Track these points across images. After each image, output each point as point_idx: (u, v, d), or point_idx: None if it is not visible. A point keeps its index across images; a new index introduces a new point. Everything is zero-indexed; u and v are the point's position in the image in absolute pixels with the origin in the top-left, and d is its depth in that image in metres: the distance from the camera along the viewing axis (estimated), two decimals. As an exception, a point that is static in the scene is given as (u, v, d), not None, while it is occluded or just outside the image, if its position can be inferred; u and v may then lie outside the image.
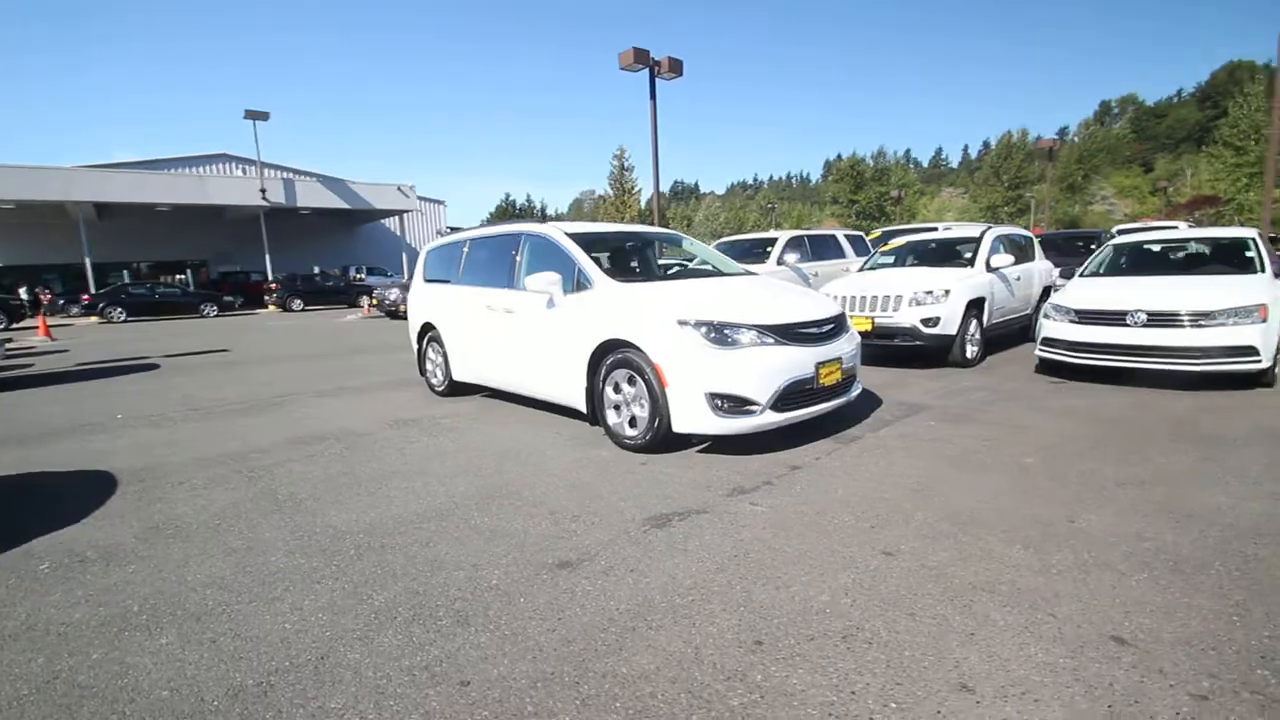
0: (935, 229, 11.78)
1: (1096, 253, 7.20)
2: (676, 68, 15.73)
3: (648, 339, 4.15)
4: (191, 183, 25.78)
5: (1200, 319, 5.26)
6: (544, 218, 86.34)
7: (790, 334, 4.13)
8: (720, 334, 3.99)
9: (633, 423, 4.36)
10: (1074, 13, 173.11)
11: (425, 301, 6.79)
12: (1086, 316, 5.84)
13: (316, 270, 27.26)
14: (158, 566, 2.91)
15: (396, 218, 30.57)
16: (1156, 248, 7.09)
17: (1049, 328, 6.16)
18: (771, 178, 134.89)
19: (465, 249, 6.29)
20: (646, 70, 15.53)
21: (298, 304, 24.99)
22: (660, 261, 6.50)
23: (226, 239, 30.55)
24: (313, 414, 6.06)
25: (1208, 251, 6.77)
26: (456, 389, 6.51)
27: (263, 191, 25.57)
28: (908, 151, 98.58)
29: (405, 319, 7.77)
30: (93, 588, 2.73)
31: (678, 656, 2.10)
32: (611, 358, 4.42)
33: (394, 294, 18.25)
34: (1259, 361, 5.14)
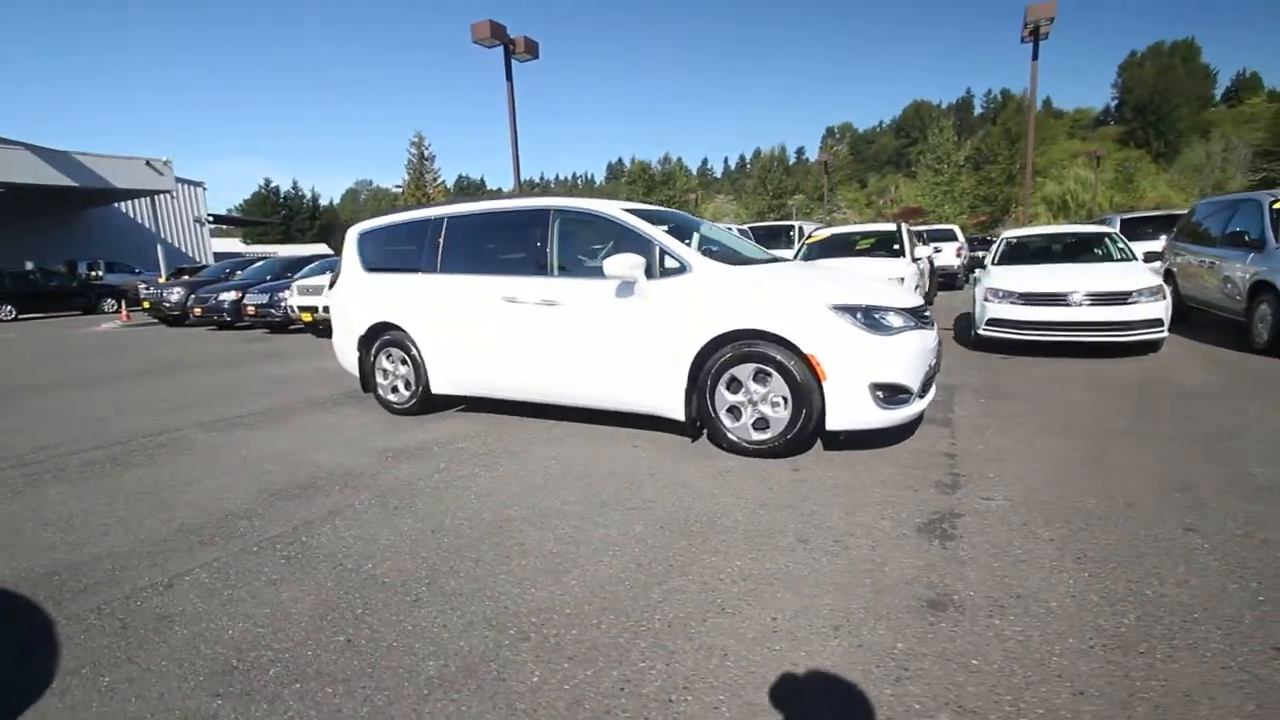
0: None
1: (996, 245, 8.33)
2: (532, 49, 14.78)
3: (796, 328, 3.63)
4: None
5: (1125, 298, 6.32)
6: (315, 208, 76.41)
7: (919, 316, 3.96)
8: (871, 319, 3.65)
9: (761, 425, 3.81)
10: (802, 49, 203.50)
11: (375, 297, 5.29)
12: (1031, 298, 6.66)
13: (30, 266, 20.29)
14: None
15: (146, 200, 24.03)
16: (1041, 241, 8.45)
17: (994, 310, 6.90)
18: (558, 177, 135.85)
19: (443, 229, 5.01)
20: (501, 48, 14.34)
21: (7, 310, 18.35)
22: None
23: None
24: (247, 452, 4.32)
25: (1075, 244, 8.25)
26: (429, 404, 5.18)
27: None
28: (679, 159, 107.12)
29: (189, 324, 5.95)
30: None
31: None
32: (728, 352, 3.81)
33: (176, 294, 14.41)
34: (1163, 331, 6.34)
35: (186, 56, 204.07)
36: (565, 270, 4.46)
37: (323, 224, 71.31)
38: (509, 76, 14.55)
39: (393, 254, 5.40)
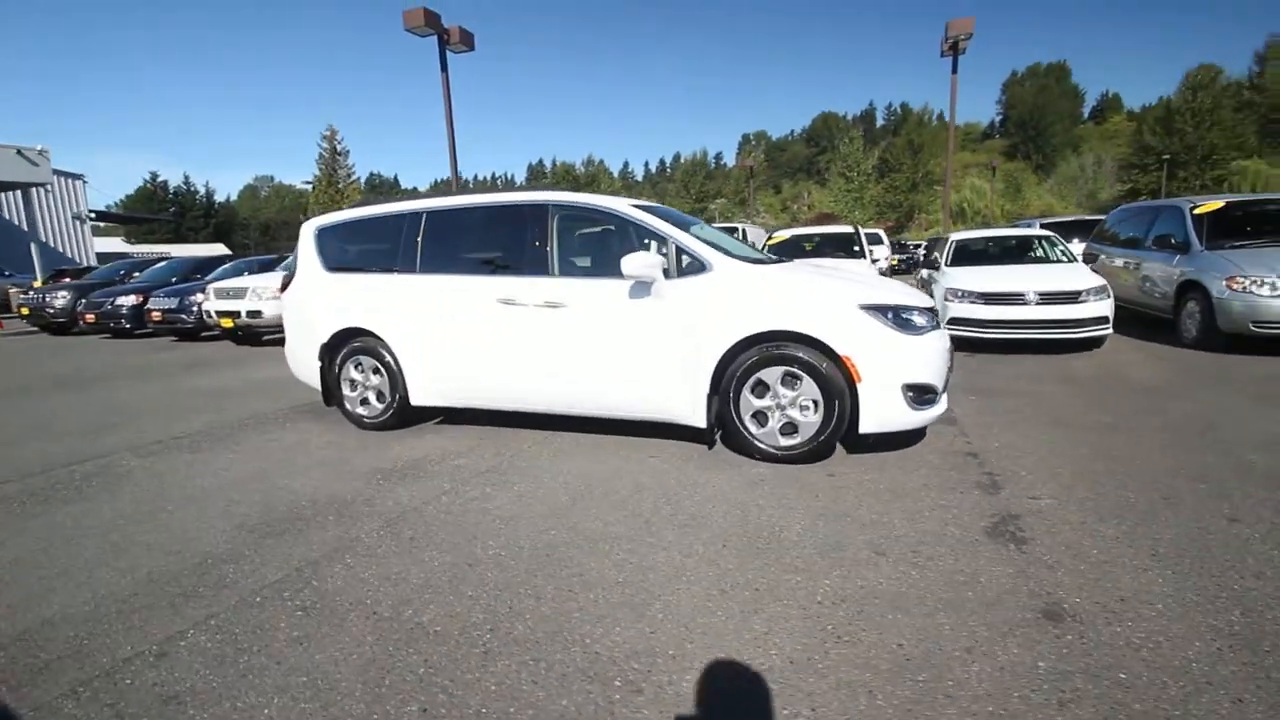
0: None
1: (945, 247, 8.68)
2: (468, 40, 14.14)
3: (830, 329, 3.51)
4: None
5: (1077, 297, 6.70)
6: (210, 205, 70.06)
7: (936, 317, 3.95)
8: (900, 319, 3.59)
9: (788, 430, 3.67)
10: (720, 58, 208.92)
11: (340, 300, 4.74)
12: (991, 298, 6.95)
13: None
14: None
15: (16, 194, 21.00)
16: (987, 243, 8.87)
17: (955, 309, 7.16)
18: (476, 176, 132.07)
19: (422, 225, 4.56)
20: (435, 37, 13.62)
21: None
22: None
23: None
24: (202, 481, 3.72)
25: (1017, 245, 8.72)
26: (405, 417, 4.71)
27: None
28: (601, 161, 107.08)
29: (76, 333, 5.25)
30: None
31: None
32: (754, 354, 3.64)
33: (63, 298, 12.71)
34: (1109, 328, 6.78)
35: (59, 36, 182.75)
36: (568, 270, 4.15)
37: (218, 222, 65.84)
38: (444, 68, 13.84)
39: (361, 252, 4.87)
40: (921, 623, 2.10)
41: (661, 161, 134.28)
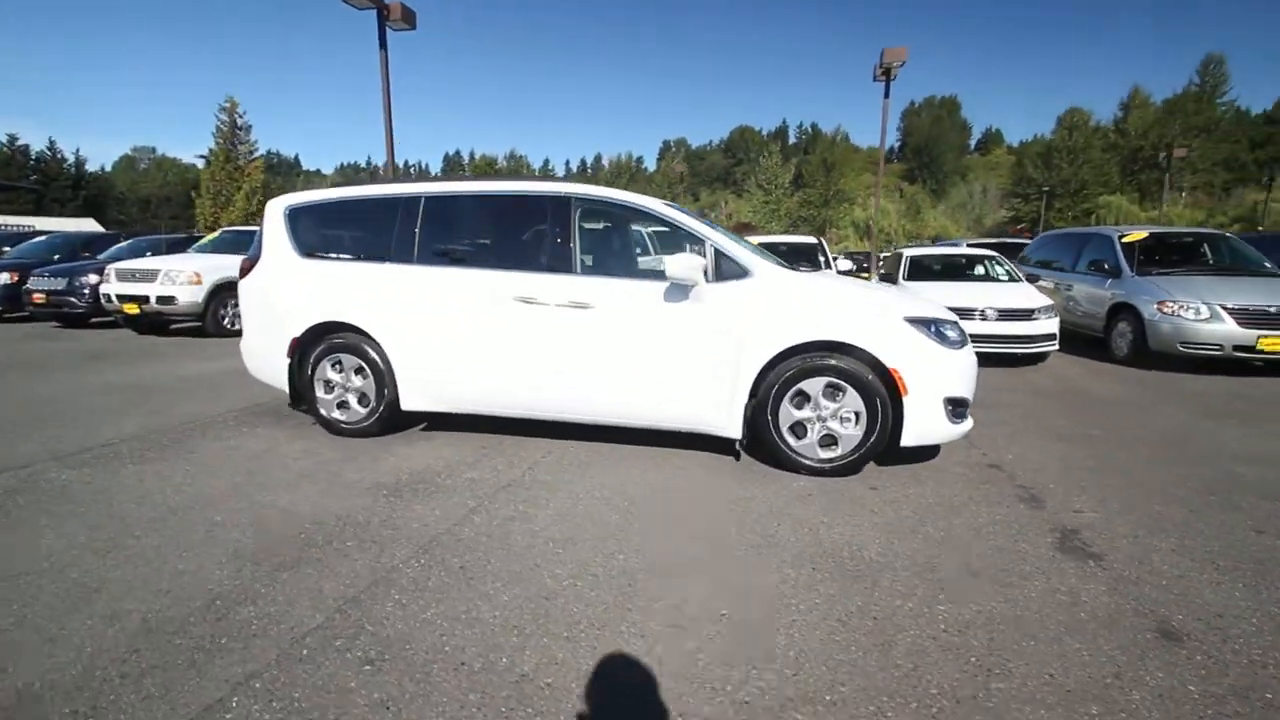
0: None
1: (901, 263, 9.03)
2: (409, 18, 13.29)
3: (879, 341, 3.46)
4: None
5: (1030, 314, 7.14)
6: (80, 176, 61.92)
7: (964, 331, 4.00)
8: (940, 332, 3.60)
9: (827, 442, 3.59)
10: (637, 67, 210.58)
11: (318, 290, 4.20)
12: (954, 313, 7.26)
13: None
14: None
15: None
16: (938, 260, 9.31)
17: (919, 322, 7.42)
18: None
19: (420, 212, 4.11)
20: (375, 11, 12.69)
21: None
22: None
23: None
24: (164, 498, 3.12)
25: (966, 263, 9.22)
26: (391, 423, 4.25)
27: None
28: (524, 156, 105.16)
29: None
30: None
31: None
32: (796, 364, 3.53)
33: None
34: (1056, 345, 7.27)
35: None
36: (590, 268, 3.88)
37: (89, 194, 58.56)
38: (383, 45, 12.93)
39: (345, 238, 4.35)
40: (1057, 649, 2.04)
41: (583, 161, 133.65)
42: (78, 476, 3.46)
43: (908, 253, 9.31)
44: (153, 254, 9.95)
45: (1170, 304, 6.83)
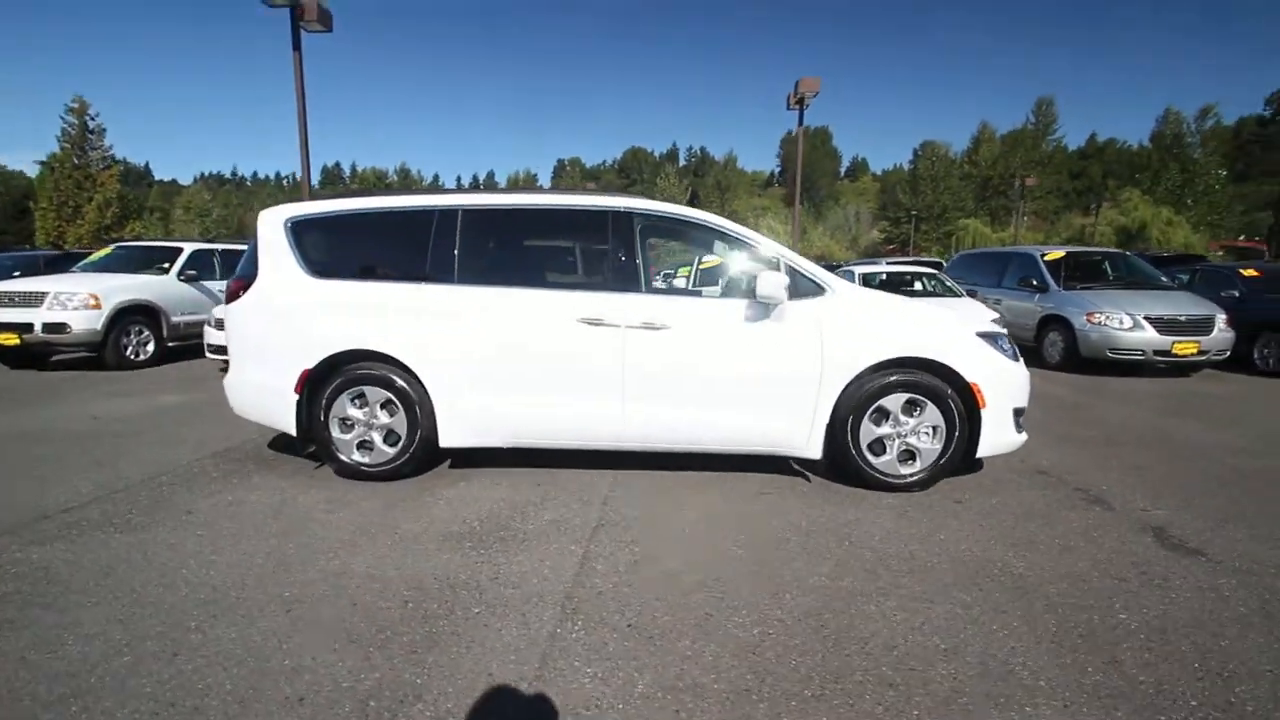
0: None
1: (853, 280, 9.47)
2: (325, 20, 12.31)
3: (959, 356, 3.52)
4: None
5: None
6: None
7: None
8: (1003, 346, 3.75)
9: (905, 457, 3.61)
10: (530, 83, 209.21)
11: (341, 314, 3.66)
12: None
13: None
14: None
15: None
16: (884, 276, 9.85)
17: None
18: (256, 174, 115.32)
19: (458, 226, 3.71)
20: (288, 10, 11.64)
21: None
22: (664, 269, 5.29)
23: None
24: (196, 572, 2.53)
25: (911, 279, 9.82)
26: (422, 463, 3.78)
27: None
28: (436, 175, 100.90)
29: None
30: None
31: None
32: (877, 381, 3.53)
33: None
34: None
35: None
36: (661, 287, 3.68)
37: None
38: (296, 47, 11.87)
39: (366, 255, 3.84)
40: (1251, 644, 2.12)
41: (475, 177, 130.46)
42: (56, 555, 2.74)
43: (858, 269, 9.81)
44: (22, 274, 8.39)
45: (1098, 315, 7.66)
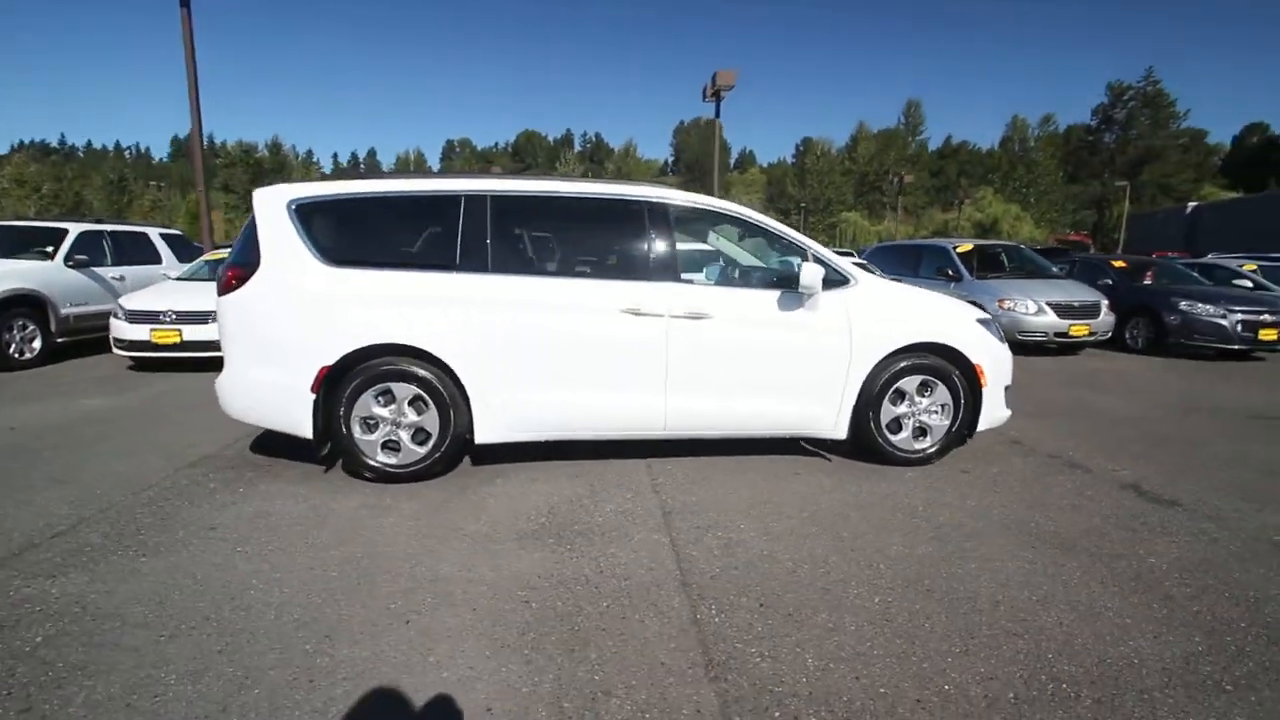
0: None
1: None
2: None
3: (967, 340, 3.87)
4: None
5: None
6: None
7: None
8: (994, 330, 4.17)
9: (919, 434, 3.95)
10: (420, 70, 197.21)
11: (364, 305, 3.40)
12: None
13: None
14: None
15: None
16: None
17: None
18: (91, 144, 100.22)
19: (488, 212, 3.55)
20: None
21: None
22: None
23: None
24: (254, 591, 2.31)
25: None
26: (455, 460, 3.63)
27: None
28: (310, 151, 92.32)
29: None
30: None
31: None
32: (897, 364, 3.81)
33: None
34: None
35: None
36: (693, 277, 3.75)
37: None
38: (185, 3, 10.50)
39: (385, 241, 3.58)
40: (1257, 575, 2.58)
41: (354, 155, 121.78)
42: (80, 587, 2.37)
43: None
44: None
45: (1008, 301, 8.62)
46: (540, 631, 2.13)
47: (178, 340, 6.42)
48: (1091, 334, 8.53)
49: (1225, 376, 7.41)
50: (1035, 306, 8.46)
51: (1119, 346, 9.32)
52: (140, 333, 6.38)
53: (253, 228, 3.50)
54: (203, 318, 6.46)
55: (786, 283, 3.75)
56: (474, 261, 3.50)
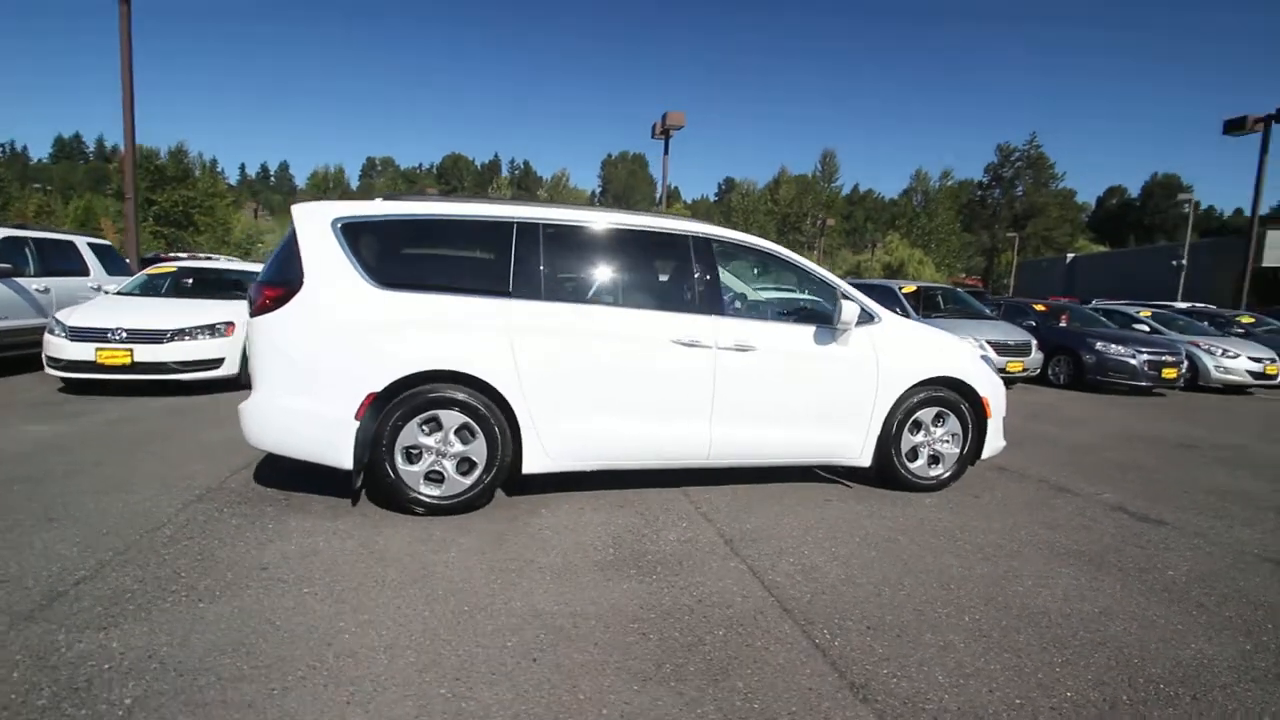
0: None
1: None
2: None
3: (975, 374, 4.21)
4: None
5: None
6: None
7: None
8: (994, 365, 4.55)
9: (933, 461, 4.22)
10: (334, 83, 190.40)
11: (414, 330, 3.28)
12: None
13: None
14: None
15: None
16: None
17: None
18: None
19: (540, 241, 3.54)
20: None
21: None
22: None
23: None
24: (373, 642, 2.17)
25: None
26: (494, 492, 3.53)
27: None
28: (200, 154, 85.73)
29: None
30: None
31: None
32: (916, 396, 4.08)
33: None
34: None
35: None
36: (741, 311, 3.90)
37: None
38: None
39: (437, 265, 3.53)
40: (1260, 581, 2.95)
41: (264, 167, 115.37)
42: (142, 639, 2.11)
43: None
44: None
45: (953, 339, 9.32)
46: (675, 663, 2.12)
47: (128, 361, 5.83)
48: (1024, 370, 9.39)
49: (1141, 410, 8.36)
50: (976, 345, 9.18)
51: (1043, 381, 10.28)
52: (84, 351, 5.75)
53: (293, 245, 3.31)
54: (158, 337, 5.92)
55: (819, 318, 3.96)
56: (528, 289, 3.47)
